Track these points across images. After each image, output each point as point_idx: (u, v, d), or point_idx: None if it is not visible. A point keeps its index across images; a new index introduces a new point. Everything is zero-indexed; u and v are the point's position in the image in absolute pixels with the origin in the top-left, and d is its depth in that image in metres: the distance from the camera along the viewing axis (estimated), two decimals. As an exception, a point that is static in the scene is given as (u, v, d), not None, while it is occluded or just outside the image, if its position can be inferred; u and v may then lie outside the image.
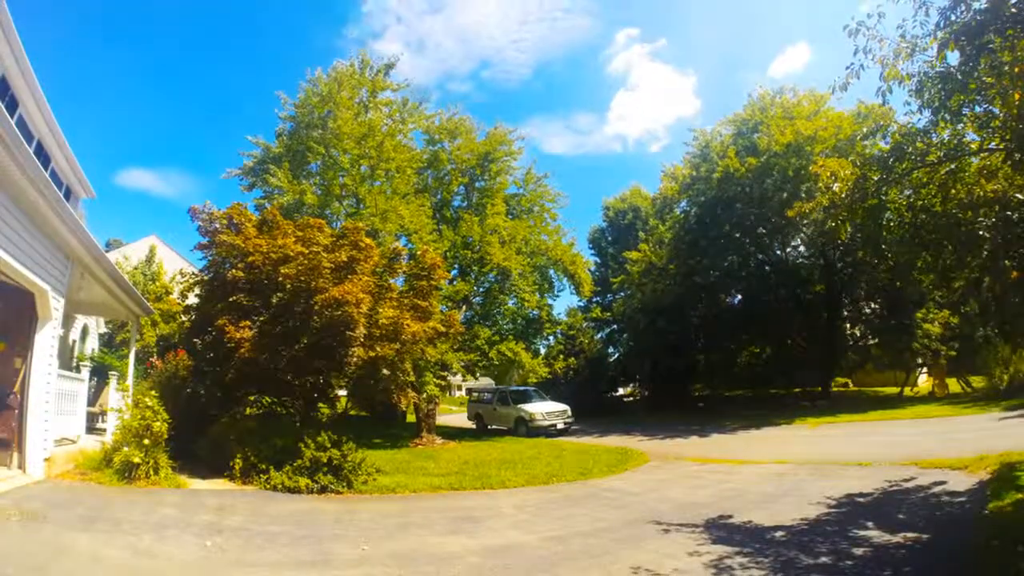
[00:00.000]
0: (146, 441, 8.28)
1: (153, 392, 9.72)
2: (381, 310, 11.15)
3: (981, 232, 6.61)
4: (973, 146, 6.81)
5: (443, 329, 13.02)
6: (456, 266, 21.28)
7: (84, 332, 18.07)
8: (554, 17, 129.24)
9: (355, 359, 10.50)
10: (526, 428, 21.00)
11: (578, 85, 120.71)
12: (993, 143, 6.49)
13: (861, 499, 7.71)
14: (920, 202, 7.29)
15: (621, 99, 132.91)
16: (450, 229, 21.38)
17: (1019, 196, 6.41)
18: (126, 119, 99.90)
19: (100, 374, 12.89)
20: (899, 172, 7.04)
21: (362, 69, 20.86)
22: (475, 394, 27.54)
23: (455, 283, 20.32)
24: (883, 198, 7.50)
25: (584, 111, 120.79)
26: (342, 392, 15.22)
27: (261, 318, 10.73)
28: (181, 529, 6.05)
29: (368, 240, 11.95)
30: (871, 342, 24.75)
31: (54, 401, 7.85)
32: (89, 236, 8.06)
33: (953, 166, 6.80)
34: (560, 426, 21.21)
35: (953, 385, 21.24)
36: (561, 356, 33.54)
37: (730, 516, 7.25)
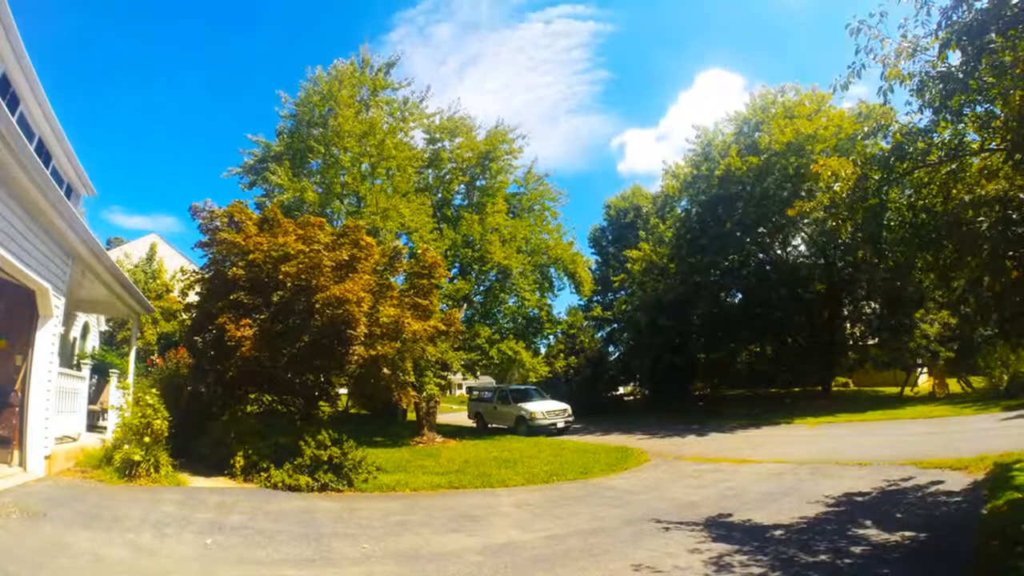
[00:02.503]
0: (147, 439, 8.28)
1: (154, 390, 9.72)
2: (382, 309, 11.15)
3: (982, 231, 6.60)
4: (974, 146, 6.80)
5: (444, 328, 13.02)
6: (456, 265, 21.28)
7: (85, 330, 18.08)
8: (599, 146, 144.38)
9: (356, 358, 10.51)
10: (526, 427, 21.00)
11: (605, 181, 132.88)
12: (994, 143, 6.48)
13: (860, 499, 7.72)
14: (921, 202, 7.28)
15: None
16: (451, 228, 21.38)
17: (1020, 196, 6.40)
18: (128, 117, 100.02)
19: (101, 372, 12.89)
20: (900, 172, 7.03)
21: (363, 67, 20.85)
22: (475, 393, 27.55)
23: (455, 282, 20.33)
24: (884, 198, 7.50)
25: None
26: (343, 391, 15.23)
27: (262, 316, 10.74)
28: (182, 527, 6.05)
29: (369, 238, 11.94)
30: (871, 342, 24.74)
31: (55, 399, 7.85)
32: (90, 234, 8.06)
33: (954, 166, 6.80)
34: (560, 425, 21.22)
35: (953, 385, 21.23)
36: (561, 355, 33.54)
37: (730, 515, 7.27)
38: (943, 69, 6.08)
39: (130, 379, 11.32)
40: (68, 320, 12.52)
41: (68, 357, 13.02)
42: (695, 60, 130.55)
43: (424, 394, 17.41)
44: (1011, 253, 6.35)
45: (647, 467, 12.27)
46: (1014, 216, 6.42)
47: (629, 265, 30.51)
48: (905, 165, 6.94)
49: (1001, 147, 6.26)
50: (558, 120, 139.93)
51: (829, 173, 7.83)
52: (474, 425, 24.72)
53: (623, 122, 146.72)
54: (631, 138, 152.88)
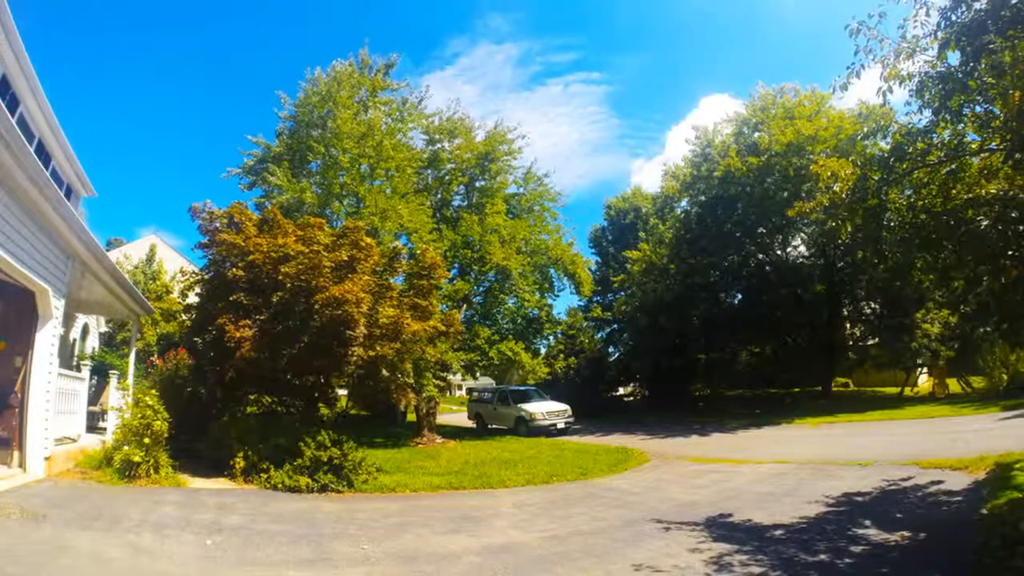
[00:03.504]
0: (146, 440, 8.28)
1: (154, 391, 9.72)
2: (381, 309, 11.15)
3: (981, 231, 6.61)
4: (973, 146, 6.80)
5: (443, 328, 13.02)
6: (456, 265, 21.27)
7: (85, 331, 18.09)
8: (606, 176, 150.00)
9: (355, 358, 10.51)
10: (526, 428, 20.98)
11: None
12: (993, 143, 6.48)
13: (860, 498, 7.72)
14: (921, 202, 7.27)
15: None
16: (450, 228, 21.37)
17: (1020, 195, 6.40)
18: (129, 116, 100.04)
19: (101, 373, 12.90)
20: (900, 172, 7.03)
21: (362, 68, 20.86)
22: (475, 393, 27.54)
23: (455, 282, 20.32)
24: (884, 198, 7.49)
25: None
26: (342, 392, 15.22)
27: (261, 317, 10.73)
28: (181, 528, 6.05)
29: (368, 239, 11.95)
30: (871, 342, 24.73)
31: (55, 400, 7.85)
32: (90, 235, 8.06)
33: (954, 166, 6.79)
34: (560, 426, 21.20)
35: (953, 385, 21.22)
36: (561, 356, 33.54)
37: (730, 515, 7.26)
38: (942, 69, 6.07)
39: (130, 380, 11.32)
40: (68, 321, 12.52)
41: (68, 358, 13.02)
42: (695, 94, 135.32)
43: (424, 395, 17.40)
44: (1011, 252, 6.36)
45: (647, 467, 12.27)
46: (1014, 216, 6.43)
47: (629, 265, 30.50)
48: (905, 165, 6.93)
49: (1001, 147, 6.26)
50: (572, 160, 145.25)
51: (829, 174, 7.83)
52: (474, 426, 24.70)
53: (630, 156, 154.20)
54: (636, 167, 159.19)
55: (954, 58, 5.90)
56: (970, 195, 6.59)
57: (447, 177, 22.58)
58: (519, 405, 22.17)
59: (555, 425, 21.07)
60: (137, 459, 8.05)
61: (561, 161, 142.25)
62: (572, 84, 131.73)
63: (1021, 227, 6.37)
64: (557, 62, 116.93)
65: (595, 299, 34.94)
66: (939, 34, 5.76)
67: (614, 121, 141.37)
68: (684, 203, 28.33)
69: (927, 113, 6.58)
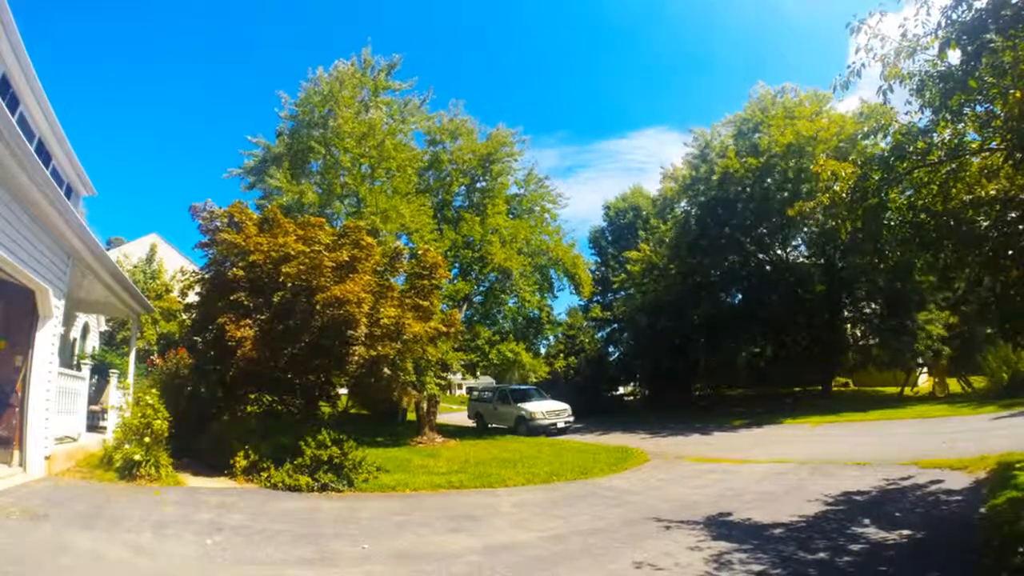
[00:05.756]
0: (147, 439, 8.29)
1: (154, 390, 9.73)
2: (382, 309, 11.13)
3: (982, 231, 6.60)
4: (974, 146, 6.79)
5: (444, 328, 13.00)
6: (457, 266, 21.25)
7: (85, 330, 18.10)
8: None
9: (356, 358, 10.51)
10: (526, 427, 21.00)
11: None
12: (994, 143, 6.47)
13: (860, 498, 7.72)
14: (921, 202, 7.27)
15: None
16: (451, 229, 21.34)
17: (1020, 196, 6.39)
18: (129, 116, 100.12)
19: (101, 372, 12.89)
20: (900, 172, 7.02)
21: (364, 69, 20.83)
22: (476, 393, 27.56)
23: (456, 283, 20.29)
24: (884, 197, 7.49)
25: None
26: (343, 391, 15.21)
27: (262, 317, 10.73)
28: (182, 527, 6.05)
29: (369, 239, 11.94)
30: (872, 342, 24.73)
31: (55, 399, 7.85)
32: (90, 234, 8.06)
33: (954, 166, 6.78)
34: (560, 425, 21.22)
35: (953, 385, 21.21)
36: (562, 355, 33.52)
37: (730, 514, 7.27)
38: (943, 68, 6.07)
39: (130, 379, 11.33)
40: (68, 320, 12.51)
41: (68, 357, 13.02)
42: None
43: (424, 394, 17.42)
44: (1011, 252, 6.35)
45: (647, 467, 12.27)
46: (1014, 216, 6.43)
47: (629, 266, 30.49)
48: (905, 165, 6.92)
49: (1001, 147, 6.25)
50: (595, 220, 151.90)
51: (828, 173, 7.82)
52: (474, 425, 24.72)
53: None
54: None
55: (954, 57, 5.90)
56: (970, 195, 6.59)
57: (448, 178, 22.54)
58: (519, 404, 22.19)
59: (555, 424, 21.09)
60: (138, 458, 8.05)
61: (587, 223, 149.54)
62: (599, 171, 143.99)
63: (1021, 227, 6.36)
64: (587, 158, 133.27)
65: (595, 299, 34.93)
66: (940, 33, 5.75)
67: (632, 186, 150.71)
68: (683, 204, 28.32)
69: (927, 112, 6.59)
